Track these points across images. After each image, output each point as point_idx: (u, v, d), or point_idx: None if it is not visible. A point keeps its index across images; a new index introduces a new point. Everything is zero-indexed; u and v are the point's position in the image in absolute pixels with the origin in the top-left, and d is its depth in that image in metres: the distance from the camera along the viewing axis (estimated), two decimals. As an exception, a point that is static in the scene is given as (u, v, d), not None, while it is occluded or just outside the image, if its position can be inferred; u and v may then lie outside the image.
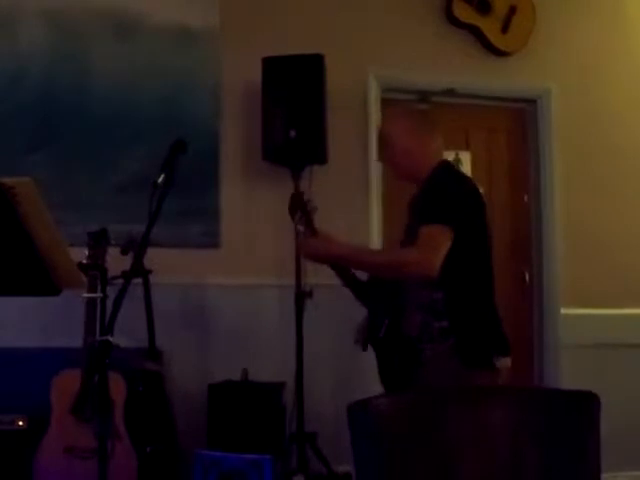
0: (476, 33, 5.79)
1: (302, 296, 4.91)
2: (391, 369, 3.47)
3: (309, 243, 3.50)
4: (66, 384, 4.17)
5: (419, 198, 3.50)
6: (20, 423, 4.36)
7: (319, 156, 5.01)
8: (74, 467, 4.01)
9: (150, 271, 4.26)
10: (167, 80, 5.22)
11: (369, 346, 3.65)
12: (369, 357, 5.36)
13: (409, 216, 3.58)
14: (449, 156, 5.79)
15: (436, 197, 3.36)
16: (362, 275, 3.67)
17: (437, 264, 3.18)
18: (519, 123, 6.09)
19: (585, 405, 2.97)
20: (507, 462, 2.85)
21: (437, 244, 3.22)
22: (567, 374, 5.66)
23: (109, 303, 3.96)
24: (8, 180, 2.39)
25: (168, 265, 4.73)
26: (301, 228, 3.46)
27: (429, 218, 3.26)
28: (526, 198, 6.03)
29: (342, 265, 3.57)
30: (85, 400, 4.08)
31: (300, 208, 3.51)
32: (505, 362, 3.42)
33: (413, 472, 2.72)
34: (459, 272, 3.30)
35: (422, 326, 3.35)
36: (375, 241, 5.50)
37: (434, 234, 3.24)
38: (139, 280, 4.30)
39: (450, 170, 3.59)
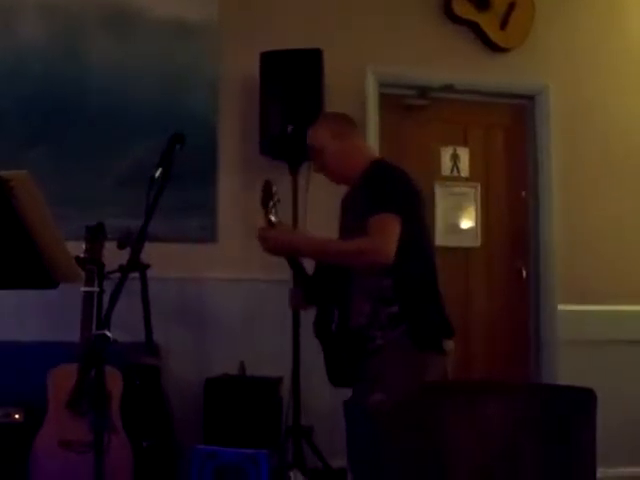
0: (475, 29, 5.79)
1: (299, 292, 4.91)
2: (340, 363, 3.46)
3: (273, 235, 3.43)
4: (63, 378, 4.17)
5: (355, 196, 3.53)
6: (16, 416, 4.36)
7: (317, 151, 5.01)
8: (70, 460, 4.01)
9: (147, 265, 4.26)
10: (165, 74, 5.22)
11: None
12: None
13: (343, 216, 3.64)
14: (447, 152, 5.82)
15: (379, 189, 3.41)
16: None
17: (392, 251, 3.26)
18: (517, 119, 6.09)
19: (581, 401, 2.98)
20: (504, 458, 2.86)
21: (389, 231, 3.29)
22: (564, 370, 5.66)
23: (106, 297, 3.96)
24: (5, 173, 2.39)
25: (165, 259, 4.73)
26: (273, 218, 3.43)
27: (375, 208, 3.31)
28: (524, 194, 6.03)
29: (301, 257, 3.53)
30: (81, 394, 4.08)
31: (271, 198, 3.50)
32: (451, 345, 3.50)
33: (408, 467, 2.73)
34: (406, 258, 3.33)
35: (372, 314, 3.38)
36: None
37: (385, 222, 3.30)
38: (136, 274, 4.29)
39: (386, 164, 3.61)
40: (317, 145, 3.60)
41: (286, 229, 3.55)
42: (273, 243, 3.40)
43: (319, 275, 3.61)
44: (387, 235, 3.28)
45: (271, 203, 3.48)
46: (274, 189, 3.50)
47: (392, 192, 3.40)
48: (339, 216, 3.65)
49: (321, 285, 3.56)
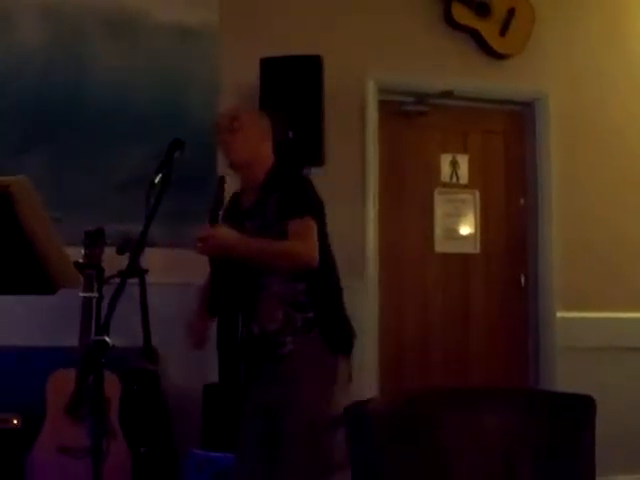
0: (474, 36, 5.80)
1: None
2: (240, 371, 3.45)
3: (220, 234, 3.32)
4: (61, 383, 4.17)
5: (265, 199, 3.49)
6: (14, 422, 4.35)
7: (316, 157, 5.00)
8: (68, 466, 4.00)
9: (146, 271, 4.27)
10: (165, 79, 5.21)
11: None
12: (365, 359, 5.38)
13: (243, 220, 3.54)
14: (446, 159, 5.83)
15: (298, 192, 3.45)
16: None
17: (316, 254, 3.34)
18: (516, 126, 6.09)
19: (580, 408, 2.98)
20: (502, 464, 2.86)
21: (311, 235, 3.37)
22: (563, 377, 5.66)
23: (105, 302, 3.96)
24: (3, 179, 2.38)
25: (164, 265, 4.73)
26: (220, 214, 3.36)
27: (298, 211, 3.35)
28: (522, 201, 6.03)
29: (239, 257, 3.40)
30: (80, 399, 4.08)
31: (222, 197, 3.46)
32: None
33: (408, 473, 2.72)
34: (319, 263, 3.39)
35: (285, 320, 3.38)
36: (371, 242, 5.51)
37: (309, 226, 3.37)
38: (135, 280, 4.29)
39: (293, 169, 3.65)
40: (241, 123, 3.54)
41: (227, 229, 3.40)
42: (218, 242, 3.29)
43: (219, 282, 3.58)
44: (311, 238, 3.35)
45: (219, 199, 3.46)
46: (226, 187, 3.48)
47: (310, 198, 3.47)
48: (245, 220, 3.55)
49: (224, 293, 3.52)
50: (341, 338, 3.50)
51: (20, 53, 5.02)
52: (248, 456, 3.47)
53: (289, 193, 3.43)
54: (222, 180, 3.47)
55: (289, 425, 3.34)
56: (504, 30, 5.82)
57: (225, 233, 3.31)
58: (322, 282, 3.48)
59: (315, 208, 3.45)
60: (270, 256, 3.37)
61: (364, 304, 5.43)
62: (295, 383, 3.34)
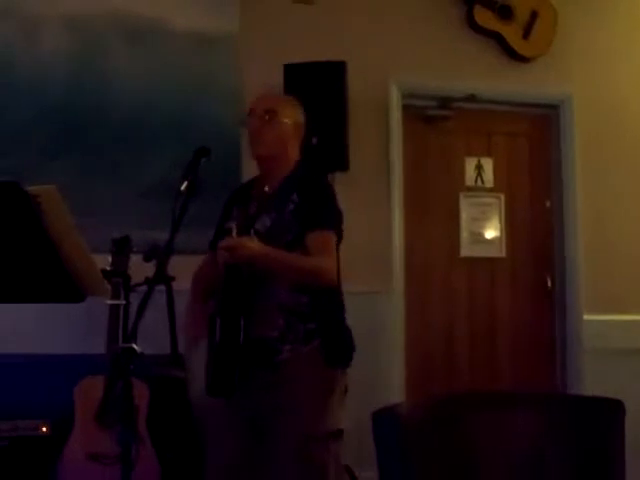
0: (497, 39, 5.79)
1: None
2: (232, 373, 3.28)
3: (246, 243, 3.22)
4: (89, 391, 4.18)
5: (286, 197, 3.42)
6: (43, 429, 4.37)
7: (341, 163, 5.01)
8: (97, 473, 4.01)
9: (173, 278, 4.27)
10: (188, 86, 5.23)
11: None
12: (392, 363, 5.38)
13: (265, 211, 3.44)
14: (471, 162, 5.82)
15: (320, 200, 3.40)
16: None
17: (336, 272, 3.35)
18: (541, 129, 6.08)
19: (609, 412, 2.96)
20: (530, 468, 2.85)
21: (333, 251, 3.35)
22: (590, 380, 5.63)
23: (132, 310, 3.97)
24: (32, 188, 2.40)
25: (191, 272, 4.73)
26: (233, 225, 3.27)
27: (319, 223, 3.30)
28: (548, 204, 6.02)
29: (265, 268, 3.32)
30: (108, 407, 4.09)
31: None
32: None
33: (437, 476, 2.72)
34: None
35: (285, 328, 3.33)
36: (397, 247, 5.51)
37: (329, 241, 3.34)
38: (162, 287, 4.30)
39: (317, 172, 3.58)
40: (278, 116, 3.47)
41: (255, 240, 3.30)
42: (245, 253, 3.19)
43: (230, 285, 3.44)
44: (334, 256, 3.34)
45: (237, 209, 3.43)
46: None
47: (333, 209, 3.44)
48: (255, 207, 3.49)
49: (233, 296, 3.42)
50: (342, 351, 3.45)
51: (46, 63, 5.06)
52: (229, 459, 3.39)
53: (313, 200, 3.39)
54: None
55: (282, 438, 3.28)
56: (527, 33, 5.80)
57: (253, 244, 3.23)
58: (327, 295, 3.43)
59: (337, 221, 3.42)
60: (294, 271, 3.33)
61: (390, 309, 5.44)
62: (290, 393, 3.28)
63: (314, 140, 4.82)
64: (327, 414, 3.36)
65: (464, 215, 5.85)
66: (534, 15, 5.80)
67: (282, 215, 3.39)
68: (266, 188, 3.48)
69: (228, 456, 3.40)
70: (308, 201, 3.38)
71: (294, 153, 3.55)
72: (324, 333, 3.37)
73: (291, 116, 3.53)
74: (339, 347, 3.43)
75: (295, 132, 3.54)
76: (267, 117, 3.44)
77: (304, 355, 3.34)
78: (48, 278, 2.51)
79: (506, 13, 5.74)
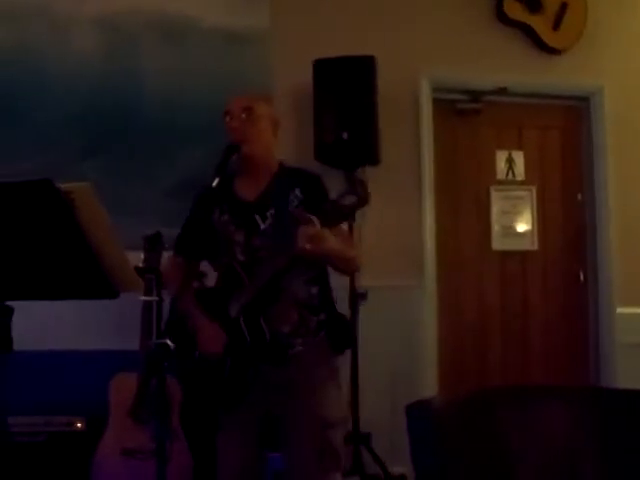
0: (527, 31, 5.76)
1: (356, 297, 4.92)
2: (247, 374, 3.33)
3: (326, 233, 3.14)
4: (123, 387, 4.21)
5: (284, 190, 3.41)
6: (78, 425, 4.41)
7: (371, 157, 5.01)
8: (132, 468, 4.04)
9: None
10: (218, 84, 5.24)
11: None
12: (424, 357, 5.38)
13: (261, 208, 3.41)
14: (502, 156, 5.80)
15: (326, 194, 3.39)
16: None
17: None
18: (572, 121, 6.04)
19: (644, 405, 2.95)
20: (565, 463, 2.84)
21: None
22: (623, 373, 5.60)
23: (165, 306, 4.00)
24: (66, 185, 2.42)
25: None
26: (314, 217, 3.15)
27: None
28: (580, 197, 5.98)
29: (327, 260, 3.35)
30: (142, 403, 4.12)
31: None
32: None
33: (473, 471, 2.72)
34: (325, 267, 3.43)
35: (299, 322, 3.35)
36: (429, 240, 5.50)
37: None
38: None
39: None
40: (257, 113, 3.44)
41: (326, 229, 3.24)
42: (328, 245, 3.13)
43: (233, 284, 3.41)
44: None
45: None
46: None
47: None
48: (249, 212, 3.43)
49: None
50: (346, 339, 3.55)
51: (76, 63, 5.09)
52: (244, 455, 3.41)
53: (321, 196, 3.37)
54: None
55: (300, 426, 3.32)
56: (557, 24, 5.77)
57: (328, 234, 3.15)
58: (329, 286, 3.49)
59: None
60: (343, 261, 3.37)
61: (423, 302, 5.43)
62: (304, 383, 3.32)
63: (345, 135, 4.83)
64: (337, 400, 3.44)
65: (495, 208, 5.84)
66: (564, 6, 5.77)
67: (284, 211, 3.36)
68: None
69: (239, 461, 3.43)
70: (316, 198, 3.35)
71: (275, 146, 3.55)
72: (331, 323, 3.43)
73: (268, 110, 3.52)
74: (344, 335, 3.51)
75: (274, 125, 3.52)
76: (244, 115, 3.41)
77: (314, 346, 3.37)
78: (82, 275, 2.53)
79: (536, 5, 5.71)
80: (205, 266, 3.67)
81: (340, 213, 3.11)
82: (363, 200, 3.10)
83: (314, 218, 3.08)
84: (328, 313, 3.44)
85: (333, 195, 3.39)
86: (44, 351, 4.70)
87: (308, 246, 3.07)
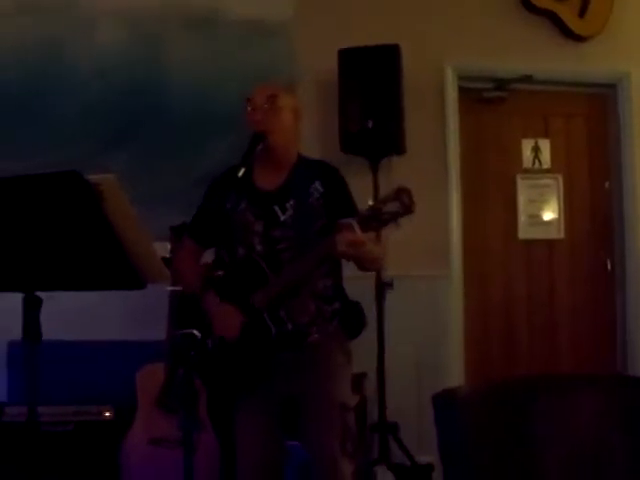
0: (553, 18, 5.72)
1: (382, 287, 4.93)
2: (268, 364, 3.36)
3: (366, 238, 3.15)
4: (150, 377, 4.24)
5: (305, 182, 3.43)
6: (107, 414, 4.44)
7: (397, 146, 5.01)
8: (160, 457, 4.07)
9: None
10: (244, 74, 5.24)
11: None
12: (451, 346, 5.37)
13: (283, 199, 3.42)
14: (528, 144, 5.78)
15: (349, 191, 3.46)
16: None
17: None
18: (599, 108, 6.00)
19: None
20: (591, 451, 2.83)
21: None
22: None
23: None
24: (93, 177, 2.44)
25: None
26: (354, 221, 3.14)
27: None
28: (607, 185, 5.95)
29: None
30: (170, 392, 4.15)
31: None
32: None
33: (499, 460, 2.72)
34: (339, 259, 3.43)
35: (316, 313, 3.39)
36: (455, 229, 5.49)
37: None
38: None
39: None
40: (281, 103, 3.44)
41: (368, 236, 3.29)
42: (367, 250, 3.20)
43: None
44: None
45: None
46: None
47: None
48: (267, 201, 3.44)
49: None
50: (359, 325, 3.54)
51: (105, 54, 5.11)
52: (267, 444, 3.44)
53: (341, 190, 3.44)
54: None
55: (320, 412, 3.35)
56: (583, 11, 5.73)
57: (366, 239, 3.17)
58: (341, 275, 3.52)
59: None
60: (370, 260, 3.40)
61: (449, 291, 5.43)
62: (322, 370, 3.37)
63: (370, 124, 4.82)
64: (350, 385, 3.49)
65: (522, 197, 5.81)
66: (589, -7, 5.74)
67: (305, 203, 3.39)
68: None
69: (258, 451, 3.45)
70: (336, 191, 3.42)
71: (297, 139, 3.57)
72: (344, 311, 3.47)
73: (292, 100, 3.53)
74: (357, 322, 3.52)
75: (296, 119, 3.52)
76: (266, 105, 3.41)
77: (330, 333, 3.42)
78: (110, 266, 2.55)
79: (561, -8, 5.68)
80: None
81: (380, 220, 3.10)
82: (406, 208, 3.07)
83: (354, 224, 3.09)
84: (341, 302, 3.48)
85: (355, 185, 3.44)
86: (73, 341, 4.74)
87: (347, 251, 3.13)
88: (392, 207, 3.07)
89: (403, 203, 3.06)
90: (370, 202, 3.15)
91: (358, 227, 3.08)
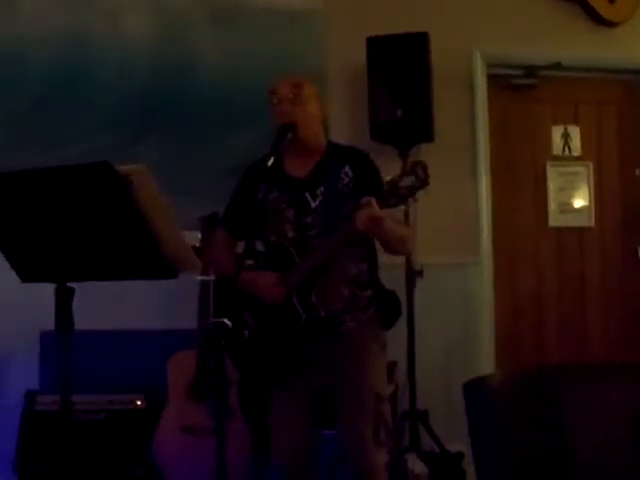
0: (583, 4, 5.68)
1: (412, 275, 4.93)
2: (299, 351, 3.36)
3: (384, 214, 3.14)
4: (181, 365, 4.27)
5: (333, 167, 3.44)
6: (138, 402, 4.48)
7: (426, 134, 5.00)
8: (191, 445, 4.10)
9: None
10: (272, 63, 5.24)
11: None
12: (481, 334, 5.37)
13: (313, 185, 3.43)
14: (558, 131, 5.75)
15: (380, 175, 3.41)
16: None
17: None
18: (629, 95, 5.95)
19: None
20: (624, 439, 2.82)
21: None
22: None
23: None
24: (123, 167, 2.45)
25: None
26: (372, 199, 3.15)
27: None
28: (638, 172, 5.90)
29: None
30: (201, 381, 4.17)
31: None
32: None
33: (530, 449, 2.71)
34: (374, 245, 3.46)
35: (350, 299, 3.38)
36: (485, 217, 5.47)
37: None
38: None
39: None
40: (306, 94, 3.45)
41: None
42: (385, 225, 3.17)
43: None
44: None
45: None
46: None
47: None
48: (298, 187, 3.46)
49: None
50: (395, 314, 3.55)
51: (131, 43, 5.13)
52: (300, 432, 3.47)
53: (372, 174, 3.42)
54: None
55: (356, 401, 3.36)
56: (613, -4, 5.69)
57: (386, 215, 3.16)
58: (376, 263, 3.52)
59: None
60: (397, 240, 3.40)
61: (479, 279, 5.42)
62: (356, 359, 3.37)
63: (399, 112, 4.82)
64: (385, 375, 3.52)
65: (551, 185, 5.79)
66: (620, -22, 5.69)
67: (335, 188, 3.40)
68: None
69: (292, 439, 3.48)
70: (366, 175, 3.41)
71: (325, 126, 3.58)
72: (379, 299, 3.47)
73: (314, 92, 3.52)
74: (392, 310, 3.54)
75: (321, 106, 3.53)
76: (291, 95, 3.41)
77: (364, 322, 3.42)
78: (141, 255, 2.56)
79: (591, -22, 5.64)
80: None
81: (398, 195, 3.10)
82: (422, 181, 3.08)
83: (372, 199, 3.09)
84: (375, 289, 3.47)
85: (384, 172, 3.42)
86: (105, 331, 4.78)
87: (367, 226, 3.11)
88: (408, 181, 3.08)
89: (418, 176, 3.07)
90: (387, 178, 3.16)
91: (376, 203, 3.09)
